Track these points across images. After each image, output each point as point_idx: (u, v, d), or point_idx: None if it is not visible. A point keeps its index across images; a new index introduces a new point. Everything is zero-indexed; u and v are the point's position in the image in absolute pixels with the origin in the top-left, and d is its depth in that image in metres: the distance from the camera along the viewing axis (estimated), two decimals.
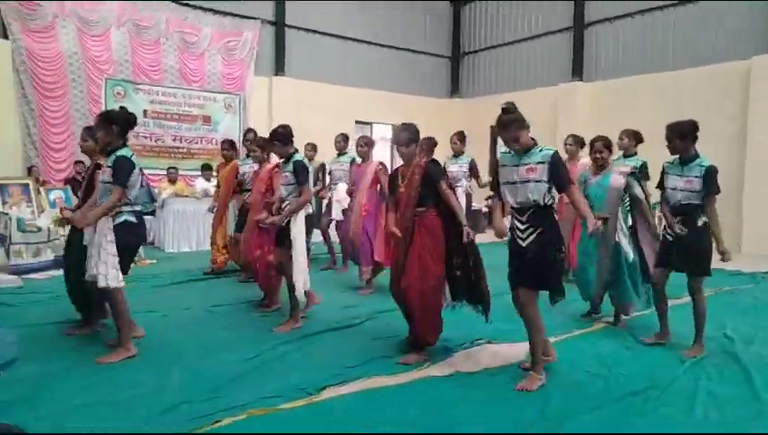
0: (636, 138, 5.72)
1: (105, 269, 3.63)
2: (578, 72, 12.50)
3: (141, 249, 6.82)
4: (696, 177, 3.86)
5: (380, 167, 6.08)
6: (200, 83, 11.45)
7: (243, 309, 5.18)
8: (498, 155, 3.54)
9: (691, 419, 2.97)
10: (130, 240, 3.84)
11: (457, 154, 7.00)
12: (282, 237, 4.51)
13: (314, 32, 13.01)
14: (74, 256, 4.09)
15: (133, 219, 3.80)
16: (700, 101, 10.07)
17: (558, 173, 3.30)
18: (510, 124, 3.32)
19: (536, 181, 3.30)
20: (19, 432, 1.69)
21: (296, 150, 4.67)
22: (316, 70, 12.97)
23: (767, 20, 9.65)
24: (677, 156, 4.00)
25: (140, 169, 3.87)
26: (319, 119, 11.38)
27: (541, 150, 3.34)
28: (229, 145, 6.79)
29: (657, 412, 3.05)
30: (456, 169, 6.93)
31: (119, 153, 3.74)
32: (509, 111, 3.36)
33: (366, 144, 6.13)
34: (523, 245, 3.37)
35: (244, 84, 11.95)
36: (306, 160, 4.81)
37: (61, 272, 6.59)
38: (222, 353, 3.87)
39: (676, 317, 4.29)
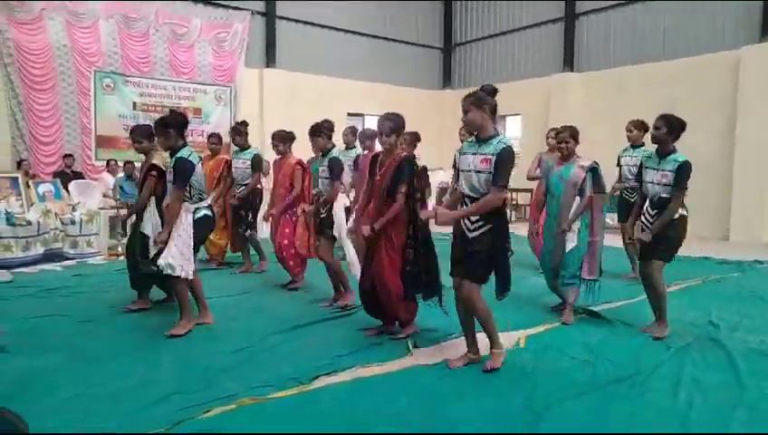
0: (643, 127, 5.80)
1: (177, 260, 3.91)
2: (569, 62, 12.51)
3: None
4: (671, 171, 3.89)
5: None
6: (190, 75, 11.37)
7: (232, 301, 5.19)
8: (462, 143, 3.47)
9: (675, 404, 3.01)
10: (206, 232, 4.27)
11: None
12: (323, 228, 4.83)
13: (305, 23, 12.94)
14: (137, 245, 4.53)
15: (210, 213, 4.19)
16: (690, 91, 10.12)
17: (497, 167, 3.15)
18: (468, 96, 3.27)
19: (489, 173, 3.19)
20: (17, 420, 1.70)
21: (334, 145, 4.96)
22: (307, 61, 12.90)
23: (757, 10, 9.69)
24: (655, 150, 4.03)
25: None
26: (310, 111, 11.24)
27: (499, 142, 3.21)
28: (217, 139, 6.85)
29: (642, 398, 3.09)
30: None
31: (178, 155, 4.01)
32: (482, 88, 3.30)
33: (368, 138, 6.01)
34: (470, 236, 3.28)
35: (234, 76, 11.89)
36: (343, 147, 5.04)
37: (51, 266, 6.66)
38: (213, 345, 3.89)
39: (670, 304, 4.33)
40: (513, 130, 13.95)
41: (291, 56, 12.69)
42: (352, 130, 6.65)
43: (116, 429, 2.64)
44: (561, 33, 12.73)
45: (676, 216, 3.94)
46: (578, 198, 4.47)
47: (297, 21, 12.80)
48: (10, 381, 3.24)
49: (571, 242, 4.45)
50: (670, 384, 3.27)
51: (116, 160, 9.79)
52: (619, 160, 6.20)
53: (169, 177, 4.09)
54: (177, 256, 3.92)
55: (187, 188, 4.01)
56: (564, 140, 4.56)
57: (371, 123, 13.56)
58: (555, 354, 3.76)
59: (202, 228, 4.09)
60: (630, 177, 5.79)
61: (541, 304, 4.99)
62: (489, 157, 3.20)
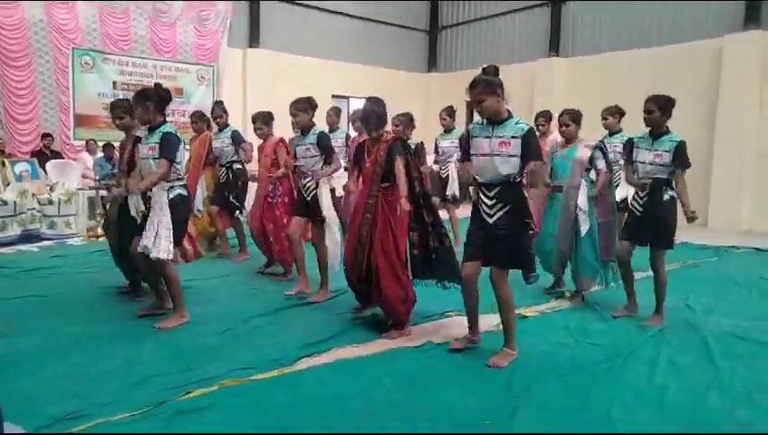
0: (619, 113, 5.81)
1: (159, 242, 3.75)
2: (555, 47, 12.51)
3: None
4: (667, 151, 3.93)
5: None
6: (172, 54, 11.15)
7: (215, 284, 5.16)
8: (470, 126, 3.43)
9: (652, 386, 3.08)
10: (184, 213, 4.01)
11: (448, 129, 6.95)
12: (311, 213, 4.59)
13: (290, 2, 12.74)
14: (125, 229, 4.23)
15: (185, 193, 3.98)
16: (674, 79, 10.16)
17: (531, 147, 3.16)
18: (477, 84, 3.18)
19: (509, 156, 3.16)
20: None
21: (315, 124, 4.73)
22: (291, 42, 12.72)
23: None
24: (647, 130, 4.07)
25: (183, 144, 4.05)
26: (294, 92, 10.97)
27: (516, 123, 3.20)
28: (198, 117, 6.56)
29: (620, 380, 3.15)
30: (448, 144, 6.91)
31: (165, 129, 3.86)
32: (485, 72, 3.24)
33: (359, 119, 5.93)
34: (490, 221, 3.25)
35: (217, 55, 11.68)
36: (326, 129, 4.90)
37: (28, 246, 6.55)
38: (194, 327, 3.87)
39: (641, 289, 4.40)
40: None
41: (275, 37, 12.50)
42: (336, 111, 6.52)
43: (96, 410, 2.62)
44: (547, 18, 12.70)
45: (666, 197, 3.98)
46: (583, 182, 4.51)
47: (282, 0, 12.59)
48: None
49: (585, 224, 4.48)
50: (648, 366, 3.33)
51: (95, 140, 9.60)
52: None
53: (148, 152, 3.88)
54: (157, 238, 3.76)
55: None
56: (565, 123, 4.59)
57: (357, 106, 13.47)
58: (536, 338, 3.80)
59: (179, 208, 3.90)
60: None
61: (528, 288, 5.01)
62: (508, 140, 3.15)
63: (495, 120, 3.22)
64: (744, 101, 9.47)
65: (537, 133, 6.17)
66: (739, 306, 4.71)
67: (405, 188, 3.75)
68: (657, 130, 4.02)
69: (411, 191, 3.81)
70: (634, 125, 4.29)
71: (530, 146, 3.15)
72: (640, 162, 4.07)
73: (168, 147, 3.80)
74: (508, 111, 3.25)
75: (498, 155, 3.18)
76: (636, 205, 4.13)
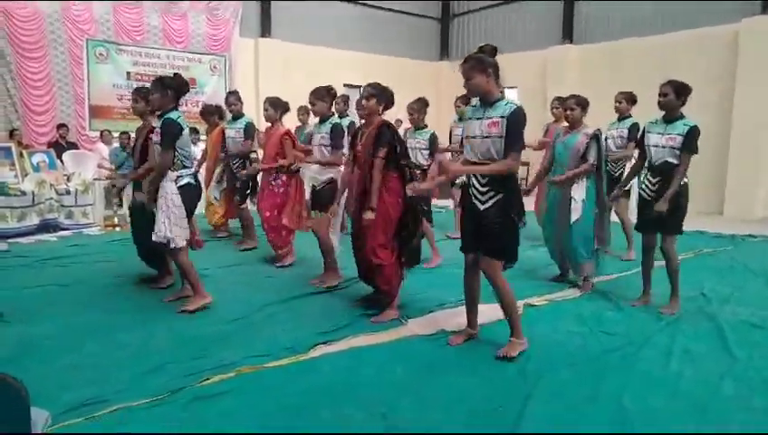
0: (632, 99, 5.77)
1: (173, 231, 3.81)
2: (568, 34, 12.35)
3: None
4: (679, 134, 3.91)
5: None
6: (184, 44, 11.19)
7: (229, 272, 5.21)
8: (466, 109, 3.39)
9: (666, 374, 3.07)
10: (192, 202, 3.99)
11: (462, 117, 6.93)
12: (321, 201, 4.60)
13: None
14: (140, 221, 4.33)
15: (193, 182, 3.99)
16: (688, 65, 10.01)
17: (511, 131, 2.99)
18: (468, 61, 3.06)
19: (499, 137, 3.02)
20: (18, 386, 1.71)
21: (334, 113, 4.81)
22: (303, 32, 12.69)
23: None
24: (661, 116, 4.04)
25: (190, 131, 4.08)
26: (306, 82, 11.06)
27: (507, 104, 3.05)
28: (208, 113, 6.63)
29: (633, 368, 3.15)
30: (461, 131, 6.90)
31: (167, 116, 3.84)
32: (480, 50, 3.10)
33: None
34: (480, 208, 3.14)
35: (229, 45, 11.70)
36: (336, 116, 4.95)
37: (47, 236, 6.65)
38: (208, 315, 3.92)
39: (655, 279, 4.37)
40: None
41: (286, 26, 12.48)
42: (344, 98, 6.57)
43: (114, 396, 2.67)
44: (559, 5, 12.53)
45: (681, 183, 3.95)
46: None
47: None
48: (7, 348, 3.26)
49: (576, 213, 4.46)
50: (662, 355, 3.32)
51: (110, 131, 9.69)
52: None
53: (155, 138, 3.91)
54: (170, 227, 3.81)
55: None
56: (569, 108, 4.54)
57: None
58: (548, 327, 3.80)
59: (186, 197, 3.90)
60: (615, 149, 5.70)
61: (536, 277, 5.02)
62: (497, 120, 3.02)
63: (488, 101, 3.11)
64: (761, 88, 9.28)
65: (552, 118, 6.22)
66: (755, 295, 4.66)
67: (375, 197, 3.72)
68: (670, 115, 3.99)
69: (402, 177, 3.78)
70: (647, 112, 4.23)
71: (511, 128, 2.99)
72: (652, 146, 4.04)
73: (167, 135, 3.80)
74: (501, 93, 3.13)
75: (488, 137, 3.06)
76: (647, 190, 4.09)
